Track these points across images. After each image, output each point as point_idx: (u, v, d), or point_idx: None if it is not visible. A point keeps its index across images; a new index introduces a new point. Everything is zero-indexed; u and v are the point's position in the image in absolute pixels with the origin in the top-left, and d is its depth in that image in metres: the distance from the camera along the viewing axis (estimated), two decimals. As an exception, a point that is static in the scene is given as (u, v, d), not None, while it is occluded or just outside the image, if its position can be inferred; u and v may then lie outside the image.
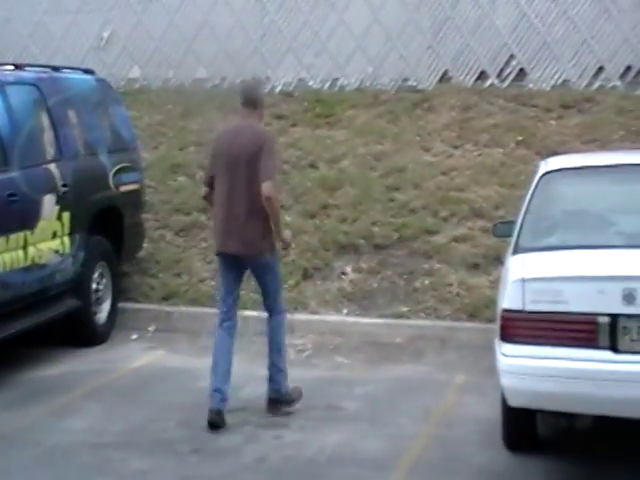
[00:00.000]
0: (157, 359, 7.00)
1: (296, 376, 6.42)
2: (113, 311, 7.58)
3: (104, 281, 7.51)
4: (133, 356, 7.03)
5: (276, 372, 5.74)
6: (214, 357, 5.69)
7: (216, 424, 5.49)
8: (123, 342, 7.38)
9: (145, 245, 8.37)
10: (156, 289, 8.03)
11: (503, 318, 4.66)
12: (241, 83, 5.81)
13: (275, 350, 5.76)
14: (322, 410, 5.84)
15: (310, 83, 11.22)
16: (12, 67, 7.14)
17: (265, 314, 5.91)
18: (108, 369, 6.68)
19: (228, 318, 5.76)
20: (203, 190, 5.84)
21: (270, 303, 5.79)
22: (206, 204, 6.22)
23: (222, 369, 5.64)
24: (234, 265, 5.66)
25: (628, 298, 4.36)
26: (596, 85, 10.18)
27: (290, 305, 7.56)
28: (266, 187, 5.40)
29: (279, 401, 5.75)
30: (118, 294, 7.71)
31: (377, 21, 10.95)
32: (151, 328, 7.66)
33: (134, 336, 7.53)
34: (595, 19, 10.23)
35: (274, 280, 5.75)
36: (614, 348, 4.42)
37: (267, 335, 5.82)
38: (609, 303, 4.40)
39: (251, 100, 5.65)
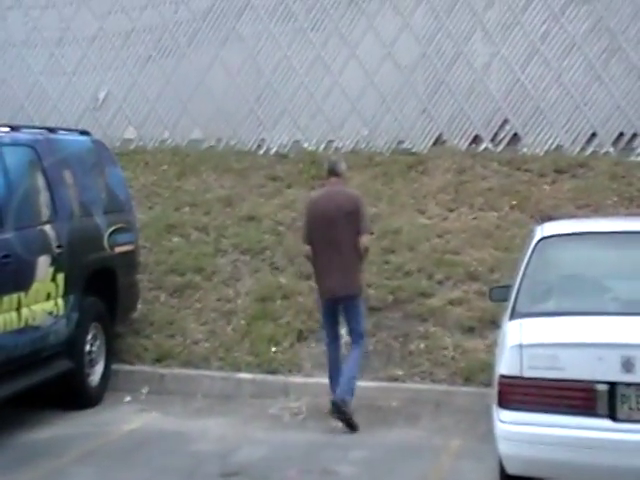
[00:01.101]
0: (150, 422, 6.96)
1: (291, 439, 6.45)
2: (106, 373, 7.56)
3: (97, 342, 7.51)
4: (126, 419, 6.99)
5: (347, 381, 6.69)
6: (330, 370, 6.94)
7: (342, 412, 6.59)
8: (116, 404, 7.35)
9: (139, 306, 8.37)
10: (149, 350, 8.02)
11: (501, 384, 4.68)
12: (328, 160, 7.52)
13: (353, 366, 6.79)
14: (317, 475, 5.81)
15: (305, 145, 11.35)
16: (8, 128, 7.18)
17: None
18: (101, 432, 6.65)
19: (334, 341, 6.96)
20: (306, 249, 6.98)
21: (357, 334, 6.91)
22: (306, 259, 7.19)
23: (336, 378, 6.80)
24: (336, 305, 6.88)
25: (626, 366, 4.41)
26: (589, 151, 10.34)
27: (284, 367, 7.66)
28: (366, 239, 6.84)
29: (343, 407, 6.59)
30: (111, 355, 7.69)
31: (372, 84, 11.13)
32: (144, 390, 7.64)
33: (127, 398, 7.51)
34: (588, 85, 10.44)
35: (362, 314, 7.00)
36: (613, 416, 4.44)
37: (349, 355, 6.91)
38: (607, 371, 4.44)
39: (337, 171, 7.04)
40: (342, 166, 7.13)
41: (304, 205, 7.28)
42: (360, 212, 6.80)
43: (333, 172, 7.06)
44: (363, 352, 7.04)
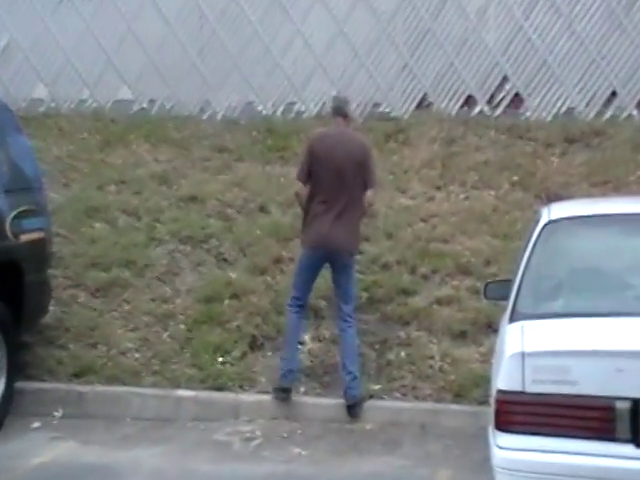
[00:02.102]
0: (66, 453, 6.88)
1: (242, 471, 6.47)
2: (8, 392, 7.40)
3: (-3, 354, 7.41)
4: (35, 450, 6.87)
5: (352, 379, 7.26)
6: (289, 338, 7.43)
7: (287, 398, 7.34)
8: (21, 432, 7.23)
9: (52, 308, 8.26)
10: (65, 364, 7.93)
11: (498, 402, 4.68)
12: (335, 97, 8.23)
13: (352, 357, 7.31)
14: (274, 516, 5.80)
15: (259, 108, 11.31)
16: None
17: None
18: (1, 467, 6.51)
19: (301, 305, 7.46)
20: (299, 186, 7.44)
21: (347, 307, 7.39)
22: (296, 200, 7.72)
23: (294, 351, 7.41)
24: (321, 262, 7.41)
25: (653, 379, 4.42)
26: (607, 115, 10.40)
27: (234, 382, 7.64)
28: (373, 194, 7.40)
29: (358, 405, 7.28)
30: (15, 371, 7.55)
31: (342, 34, 11.12)
32: (58, 413, 7.55)
33: (36, 424, 7.40)
34: (606, 35, 10.49)
35: (352, 282, 7.52)
36: (636, 441, 4.44)
37: (342, 342, 7.37)
38: (629, 385, 4.43)
39: (346, 111, 7.57)
40: (350, 108, 7.81)
41: (307, 140, 7.76)
42: (369, 163, 7.39)
43: (340, 112, 7.56)
44: (356, 344, 7.43)
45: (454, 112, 10.83)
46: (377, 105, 11.05)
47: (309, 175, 7.37)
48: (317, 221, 7.32)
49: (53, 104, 11.75)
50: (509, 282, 5.48)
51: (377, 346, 7.81)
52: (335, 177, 7.26)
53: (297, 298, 7.47)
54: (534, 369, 4.56)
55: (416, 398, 7.39)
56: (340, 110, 7.58)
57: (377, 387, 7.49)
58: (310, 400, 7.49)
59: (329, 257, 7.37)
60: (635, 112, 10.40)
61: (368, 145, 7.59)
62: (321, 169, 7.31)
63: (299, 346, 7.65)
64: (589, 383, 4.48)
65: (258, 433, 7.13)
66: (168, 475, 6.43)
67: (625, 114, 10.41)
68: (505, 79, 10.80)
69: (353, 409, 7.29)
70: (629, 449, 4.43)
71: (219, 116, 11.31)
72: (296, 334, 7.49)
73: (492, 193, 9.37)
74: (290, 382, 7.35)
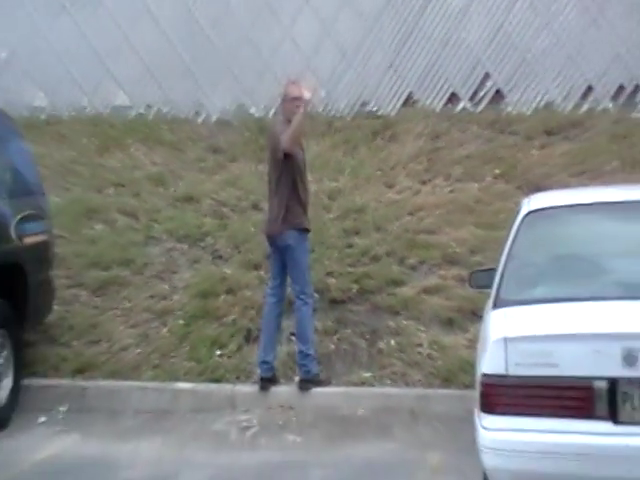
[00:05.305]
0: (70, 446, 6.85)
1: (240, 460, 6.44)
2: (15, 389, 7.40)
3: (4, 353, 7.36)
4: (41, 444, 6.85)
5: (303, 357, 7.27)
6: (263, 326, 7.44)
7: (266, 387, 7.36)
8: (28, 427, 7.22)
9: (55, 307, 8.24)
10: (68, 360, 7.91)
11: (483, 385, 4.68)
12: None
13: (302, 336, 7.31)
14: (271, 501, 5.79)
15: (252, 110, 11.29)
16: None
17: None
18: (8, 462, 6.47)
19: (271, 294, 7.41)
20: None
21: (296, 286, 7.31)
22: None
23: (268, 339, 7.35)
24: (275, 248, 7.39)
25: (629, 359, 4.39)
26: (584, 107, 10.40)
27: (231, 374, 7.63)
28: (283, 141, 7.15)
29: (309, 381, 7.29)
30: (21, 368, 7.54)
31: (329, 35, 11.09)
32: (63, 408, 7.51)
33: (42, 419, 7.37)
34: (582, 32, 10.50)
35: (298, 262, 7.29)
36: (614, 418, 4.44)
37: (295, 321, 7.39)
38: (607, 365, 4.42)
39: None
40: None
41: None
42: (275, 138, 7.30)
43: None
44: (309, 313, 7.32)
45: (439, 108, 10.84)
46: (365, 104, 11.05)
47: None
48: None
49: (53, 112, 11.68)
50: (493, 271, 5.48)
51: (368, 336, 7.80)
52: (268, 159, 7.56)
53: (268, 287, 7.53)
54: (516, 353, 4.56)
55: (406, 384, 7.40)
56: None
57: (368, 375, 7.49)
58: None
59: (276, 246, 7.40)
60: (610, 105, 10.40)
61: (278, 140, 7.27)
62: None
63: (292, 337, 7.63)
64: (569, 365, 4.49)
65: (254, 422, 7.12)
66: (168, 465, 6.40)
67: (601, 107, 10.41)
68: (487, 76, 10.81)
69: (302, 383, 7.31)
70: (607, 426, 4.43)
71: (213, 118, 11.29)
72: (269, 322, 7.39)
73: (476, 185, 9.40)
74: (266, 372, 7.33)
